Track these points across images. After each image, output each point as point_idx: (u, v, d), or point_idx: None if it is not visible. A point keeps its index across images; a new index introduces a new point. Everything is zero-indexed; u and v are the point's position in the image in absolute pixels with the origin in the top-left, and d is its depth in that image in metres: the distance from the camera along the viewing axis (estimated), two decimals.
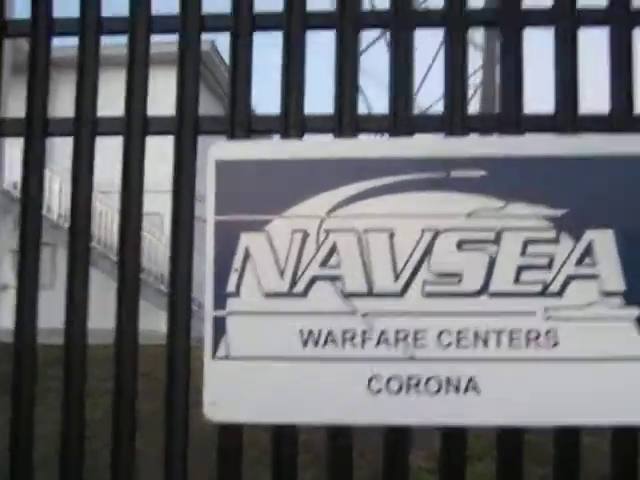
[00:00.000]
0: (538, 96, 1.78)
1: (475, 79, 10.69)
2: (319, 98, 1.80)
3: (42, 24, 1.90)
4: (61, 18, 1.92)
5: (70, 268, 1.80)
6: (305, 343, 1.48)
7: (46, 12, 1.91)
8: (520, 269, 1.48)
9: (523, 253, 1.49)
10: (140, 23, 1.88)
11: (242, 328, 1.52)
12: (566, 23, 1.70)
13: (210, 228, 1.61)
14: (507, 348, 1.44)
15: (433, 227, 1.51)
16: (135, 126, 1.83)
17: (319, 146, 1.66)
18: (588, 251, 1.48)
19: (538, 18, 1.75)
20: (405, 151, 1.59)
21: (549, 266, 1.48)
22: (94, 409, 1.95)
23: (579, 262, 1.47)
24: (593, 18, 1.73)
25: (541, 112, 1.69)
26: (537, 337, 1.44)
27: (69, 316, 1.78)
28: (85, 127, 1.85)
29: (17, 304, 1.79)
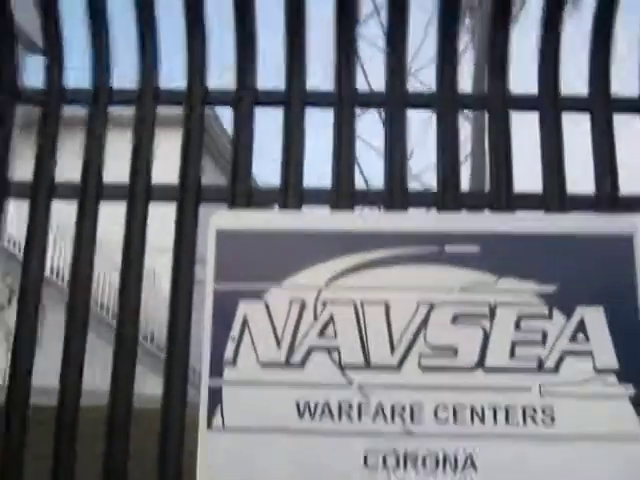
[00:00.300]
0: (528, 174, 1.86)
1: (465, 145, 11.00)
2: (318, 171, 1.88)
3: (54, 93, 1.99)
4: (73, 89, 2.01)
5: (67, 329, 1.81)
6: (301, 415, 1.48)
7: (59, 81, 2.00)
8: (515, 344, 1.52)
9: (517, 328, 1.53)
10: (147, 95, 1.96)
11: (238, 398, 1.53)
12: (550, 108, 1.81)
13: (209, 296, 1.64)
14: (504, 424, 1.45)
15: (428, 300, 1.55)
16: (139, 193, 1.88)
17: (317, 218, 1.72)
18: (580, 327, 1.52)
19: (523, 103, 1.86)
20: (400, 225, 1.65)
21: (543, 342, 1.51)
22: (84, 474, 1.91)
23: (572, 338, 1.51)
24: (575, 104, 1.84)
25: (530, 191, 1.77)
26: (533, 414, 1.46)
27: (64, 379, 1.77)
28: (90, 192, 1.91)
29: (11, 365, 1.78)
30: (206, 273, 1.67)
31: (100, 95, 1.97)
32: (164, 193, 1.90)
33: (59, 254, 8.92)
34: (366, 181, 7.60)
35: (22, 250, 1.94)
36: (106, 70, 1.98)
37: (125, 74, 2.11)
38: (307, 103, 1.87)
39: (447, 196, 1.74)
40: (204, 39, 1.93)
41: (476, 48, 10.08)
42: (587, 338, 1.52)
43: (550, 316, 1.54)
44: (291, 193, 1.78)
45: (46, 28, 1.98)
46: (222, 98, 1.96)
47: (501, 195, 1.74)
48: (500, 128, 1.82)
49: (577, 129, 1.91)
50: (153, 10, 1.94)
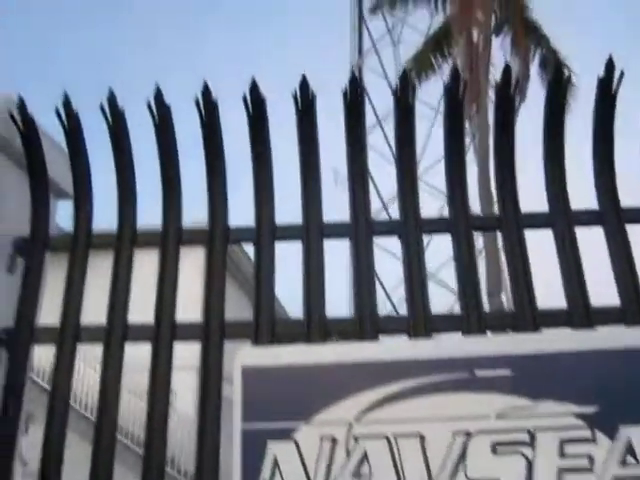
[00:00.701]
0: (552, 287, 1.86)
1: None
2: (340, 301, 1.89)
3: (81, 239, 2.07)
4: (100, 233, 2.09)
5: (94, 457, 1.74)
6: None
7: (86, 227, 2.09)
8: (562, 472, 1.44)
9: (562, 454, 1.45)
10: (171, 235, 2.04)
11: None
12: (562, 224, 1.85)
13: (237, 435, 1.60)
14: None
15: (464, 430, 1.50)
16: (164, 333, 1.90)
17: (342, 350, 1.71)
18: (628, 450, 1.45)
19: (537, 221, 1.90)
20: (427, 352, 1.64)
21: (591, 467, 1.44)
22: None
23: (622, 462, 1.43)
24: (587, 219, 1.88)
25: (554, 308, 1.76)
26: None
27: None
28: (115, 334, 1.93)
29: None
30: (233, 412, 1.64)
31: (125, 238, 2.05)
32: (188, 332, 1.91)
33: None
34: (393, 305, 7.55)
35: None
36: (131, 213, 2.08)
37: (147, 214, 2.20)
38: (325, 235, 1.92)
39: (471, 319, 1.73)
40: (225, 181, 2.04)
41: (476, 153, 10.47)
42: (638, 461, 1.44)
43: (594, 439, 1.47)
44: (314, 326, 1.78)
45: (75, 175, 2.10)
46: (243, 235, 2.03)
47: (525, 314, 1.73)
48: (515, 249, 1.85)
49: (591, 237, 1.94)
50: (177, 155, 2.05)
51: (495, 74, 11.67)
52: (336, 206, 2.03)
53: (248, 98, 1.87)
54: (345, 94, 1.85)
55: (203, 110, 1.90)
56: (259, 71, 1.88)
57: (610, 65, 1.79)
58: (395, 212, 2.00)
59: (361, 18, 17.50)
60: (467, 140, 11.00)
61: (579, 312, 1.72)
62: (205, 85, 1.87)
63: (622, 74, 1.80)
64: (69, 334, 1.96)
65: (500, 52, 11.97)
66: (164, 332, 1.90)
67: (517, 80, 1.84)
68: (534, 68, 12.05)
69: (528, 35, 11.85)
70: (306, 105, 1.88)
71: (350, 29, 17.67)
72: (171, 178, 2.08)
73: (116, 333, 1.93)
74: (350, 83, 1.84)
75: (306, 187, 1.96)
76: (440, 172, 1.92)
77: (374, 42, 17.50)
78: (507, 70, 1.85)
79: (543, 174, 1.94)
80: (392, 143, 2.06)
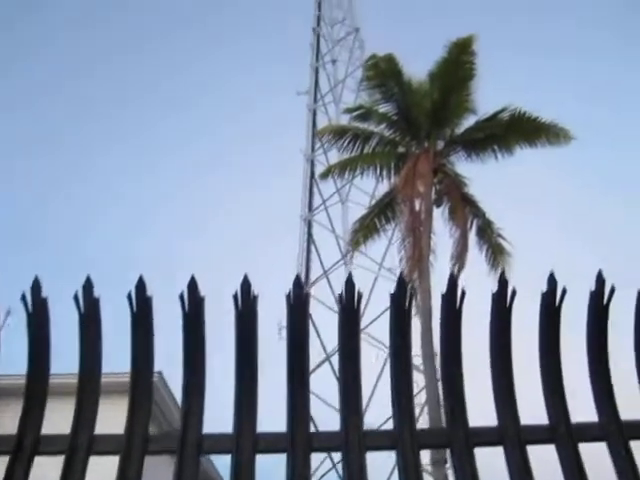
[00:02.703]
0: None
1: None
2: None
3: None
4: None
5: None
6: None
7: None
8: None
9: None
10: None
11: None
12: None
13: None
14: None
15: None
16: None
17: None
18: None
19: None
20: None
21: None
22: None
23: None
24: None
25: None
26: None
27: None
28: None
29: None
30: None
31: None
32: None
33: None
34: None
35: None
36: None
37: None
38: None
39: None
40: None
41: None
42: None
43: None
44: None
45: None
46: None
47: None
48: (466, 467, 1.71)
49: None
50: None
51: (435, 241, 12.32)
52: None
53: (186, 297, 1.77)
54: (289, 296, 1.78)
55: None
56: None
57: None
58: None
59: (312, 178, 18.62)
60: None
61: None
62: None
63: (563, 290, 1.83)
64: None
65: (441, 220, 12.75)
66: None
67: (462, 293, 1.82)
68: (472, 236, 12.80)
69: (466, 207, 12.72)
70: (247, 306, 1.79)
71: (302, 188, 18.73)
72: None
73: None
74: (294, 286, 1.78)
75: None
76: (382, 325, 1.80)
77: (324, 199, 18.50)
78: (452, 278, 1.84)
79: (492, 387, 1.87)
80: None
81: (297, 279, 1.80)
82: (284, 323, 1.82)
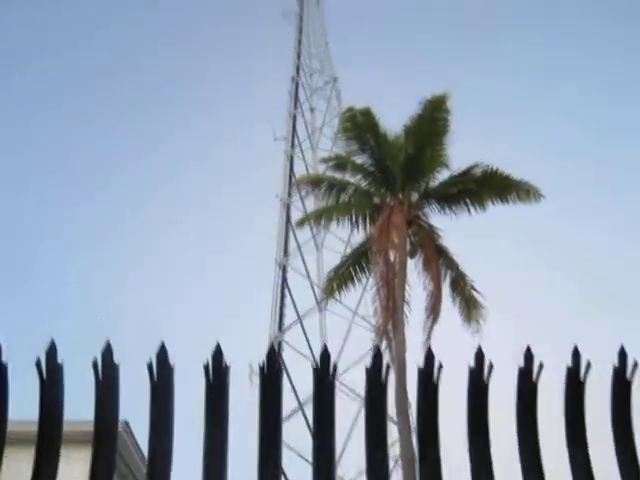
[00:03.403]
0: None
1: None
2: None
3: None
4: None
5: None
6: None
7: None
8: None
9: None
10: None
11: None
12: None
13: None
14: None
15: None
16: None
17: None
18: None
19: None
20: None
21: None
22: None
23: None
24: None
25: None
26: None
27: None
28: None
29: None
30: None
31: None
32: None
33: None
34: None
35: None
36: None
37: None
38: None
39: None
40: None
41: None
42: None
43: None
44: None
45: None
46: None
47: None
48: None
49: None
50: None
51: (409, 292, 12.33)
52: None
53: (154, 365, 1.71)
54: (262, 368, 1.73)
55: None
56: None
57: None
58: None
59: (288, 223, 18.63)
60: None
61: None
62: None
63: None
64: None
65: (415, 272, 12.80)
66: None
67: (440, 366, 1.79)
68: (445, 288, 12.85)
69: (440, 259, 12.83)
70: (218, 376, 1.73)
71: (277, 234, 18.69)
72: None
73: None
74: (267, 358, 1.73)
75: (208, 469, 1.72)
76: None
77: (299, 245, 18.47)
78: (429, 354, 1.82)
79: (468, 464, 1.82)
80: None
81: (271, 350, 1.75)
82: (255, 367, 1.77)
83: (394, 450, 10.95)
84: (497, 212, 13.12)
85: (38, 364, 1.76)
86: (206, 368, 1.71)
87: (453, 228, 13.31)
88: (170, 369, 1.74)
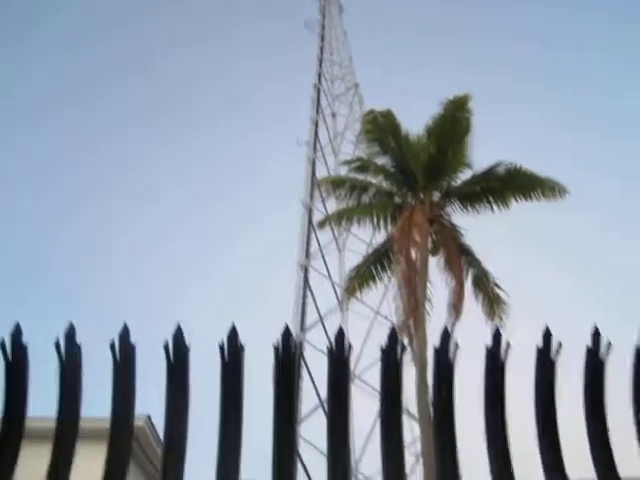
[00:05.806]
0: None
1: None
2: None
3: None
4: None
5: None
6: None
7: None
8: None
9: None
10: None
11: None
12: None
13: None
14: None
15: None
16: None
17: None
18: None
19: None
20: None
21: None
22: None
23: None
24: None
25: None
26: None
27: None
28: None
29: None
30: None
31: None
32: None
33: None
34: None
35: None
36: None
37: None
38: None
39: None
40: None
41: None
42: None
43: None
44: None
45: None
46: None
47: None
48: None
49: None
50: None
51: (432, 290, 12.24)
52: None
53: (170, 347, 1.72)
54: (277, 349, 1.73)
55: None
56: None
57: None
58: None
59: (310, 225, 18.64)
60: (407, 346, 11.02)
61: None
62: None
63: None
64: None
65: (437, 270, 12.70)
66: None
67: (456, 345, 1.77)
68: (468, 286, 12.72)
69: (462, 257, 12.70)
70: (233, 356, 1.73)
71: (300, 235, 18.74)
72: None
73: None
74: (283, 338, 1.73)
75: (223, 447, 1.73)
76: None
77: (321, 247, 18.48)
78: (445, 332, 1.80)
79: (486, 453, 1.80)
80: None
81: (286, 330, 1.75)
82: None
83: (415, 448, 10.87)
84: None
85: (57, 346, 1.79)
86: (221, 348, 1.72)
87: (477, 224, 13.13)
88: (186, 350, 1.75)
